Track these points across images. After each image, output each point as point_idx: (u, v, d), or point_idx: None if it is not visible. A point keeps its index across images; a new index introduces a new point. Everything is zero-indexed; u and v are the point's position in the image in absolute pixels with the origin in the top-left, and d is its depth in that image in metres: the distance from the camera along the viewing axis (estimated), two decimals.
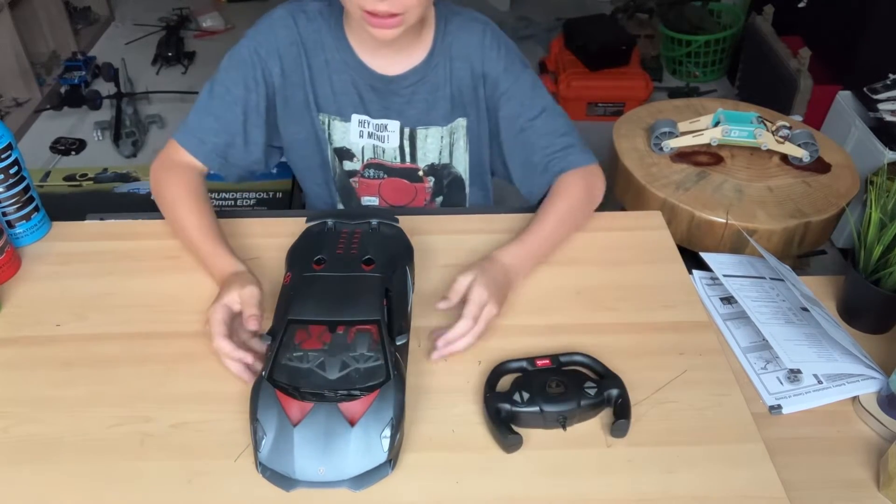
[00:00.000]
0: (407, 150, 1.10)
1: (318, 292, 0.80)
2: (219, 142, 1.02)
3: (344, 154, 1.11)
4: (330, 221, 0.90)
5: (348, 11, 0.95)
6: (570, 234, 1.01)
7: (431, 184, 1.15)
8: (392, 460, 0.72)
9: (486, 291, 0.84)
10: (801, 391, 0.88)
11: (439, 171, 1.13)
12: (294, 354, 0.76)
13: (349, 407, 0.73)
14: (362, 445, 0.71)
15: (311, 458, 0.71)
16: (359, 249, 0.85)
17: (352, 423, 0.72)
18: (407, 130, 1.08)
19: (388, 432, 0.72)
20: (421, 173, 1.13)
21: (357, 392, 0.73)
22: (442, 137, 1.10)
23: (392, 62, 1.04)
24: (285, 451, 0.71)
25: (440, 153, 1.11)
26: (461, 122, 1.09)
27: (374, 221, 0.90)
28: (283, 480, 0.71)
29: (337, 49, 1.03)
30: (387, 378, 0.74)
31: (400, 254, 0.88)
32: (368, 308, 0.79)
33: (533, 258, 0.95)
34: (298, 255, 0.87)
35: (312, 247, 0.86)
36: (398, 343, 0.77)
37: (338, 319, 0.78)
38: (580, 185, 1.02)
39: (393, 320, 0.79)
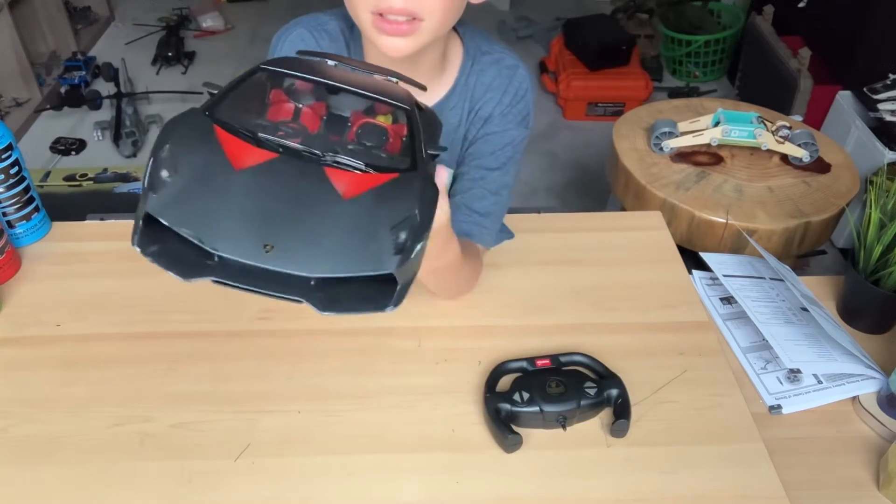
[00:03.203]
0: None
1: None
2: None
3: None
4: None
5: (361, 26, 0.78)
6: (446, 284, 0.89)
7: None
8: (400, 285, 0.49)
9: None
10: (801, 391, 0.88)
11: None
12: (260, 122, 0.53)
13: (343, 177, 0.50)
14: (355, 230, 0.48)
15: (253, 226, 0.46)
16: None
17: (343, 197, 0.49)
18: None
19: (404, 230, 0.48)
20: None
21: (360, 166, 0.51)
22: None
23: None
24: (206, 202, 0.47)
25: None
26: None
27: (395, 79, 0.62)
28: (186, 255, 0.47)
29: None
30: (411, 167, 0.53)
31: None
32: (395, 96, 0.57)
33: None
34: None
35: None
36: (430, 152, 0.55)
37: (343, 86, 0.54)
38: (479, 266, 0.94)
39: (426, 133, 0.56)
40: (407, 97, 0.59)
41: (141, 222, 0.48)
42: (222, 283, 0.48)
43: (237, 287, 0.47)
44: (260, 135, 0.51)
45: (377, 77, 0.60)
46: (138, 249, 0.48)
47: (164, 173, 0.48)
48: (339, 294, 0.49)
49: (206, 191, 0.48)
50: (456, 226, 0.85)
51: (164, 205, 0.47)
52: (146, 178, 0.48)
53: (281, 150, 0.51)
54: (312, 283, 0.48)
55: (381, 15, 0.73)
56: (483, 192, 0.92)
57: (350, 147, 0.55)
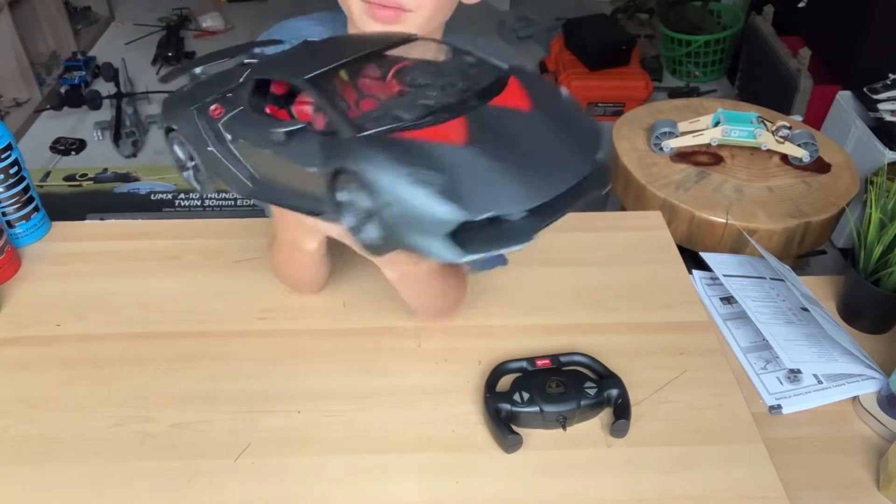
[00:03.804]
0: None
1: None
2: None
3: None
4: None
5: (351, 15, 0.78)
6: (416, 294, 0.85)
7: None
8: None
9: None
10: (801, 391, 0.88)
11: None
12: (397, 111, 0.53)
13: (508, 99, 0.55)
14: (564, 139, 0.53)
15: (522, 176, 0.49)
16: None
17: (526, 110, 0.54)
18: None
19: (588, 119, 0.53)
20: None
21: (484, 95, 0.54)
22: None
23: None
24: (475, 185, 0.48)
25: None
26: None
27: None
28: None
29: None
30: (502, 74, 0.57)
31: None
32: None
33: None
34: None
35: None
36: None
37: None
38: (461, 285, 0.91)
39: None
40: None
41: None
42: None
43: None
44: (428, 117, 0.51)
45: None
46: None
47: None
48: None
49: (470, 176, 0.48)
50: None
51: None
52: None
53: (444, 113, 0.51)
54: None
55: (371, 5, 0.73)
56: None
57: (444, 87, 0.55)
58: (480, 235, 0.48)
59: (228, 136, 0.58)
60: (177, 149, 0.66)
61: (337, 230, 0.68)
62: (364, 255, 0.66)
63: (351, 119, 0.51)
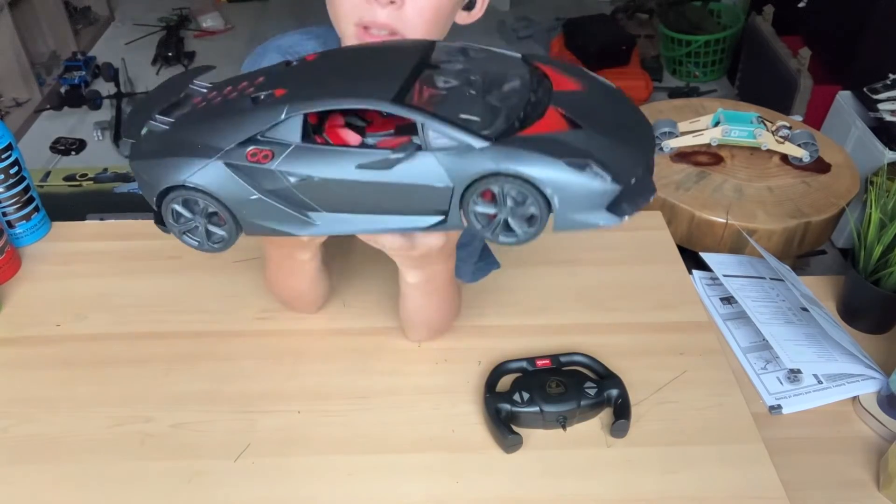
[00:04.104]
0: None
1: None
2: None
3: None
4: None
5: (344, 38, 0.75)
6: (429, 303, 0.83)
7: None
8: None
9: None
10: (801, 391, 0.88)
11: None
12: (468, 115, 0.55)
13: (559, 82, 0.59)
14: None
15: (632, 153, 0.56)
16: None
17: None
18: None
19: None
20: None
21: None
22: None
23: None
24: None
25: None
26: None
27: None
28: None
29: None
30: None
31: None
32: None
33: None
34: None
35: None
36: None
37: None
38: (458, 300, 0.88)
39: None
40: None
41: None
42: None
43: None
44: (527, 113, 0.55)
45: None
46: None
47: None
48: None
49: (602, 153, 0.53)
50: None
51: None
52: None
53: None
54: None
55: (365, 28, 0.71)
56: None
57: (473, 83, 0.58)
58: (626, 198, 0.54)
59: (292, 179, 0.56)
60: (178, 208, 0.60)
61: (394, 241, 0.66)
62: (398, 260, 0.67)
63: (473, 129, 0.53)
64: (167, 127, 0.60)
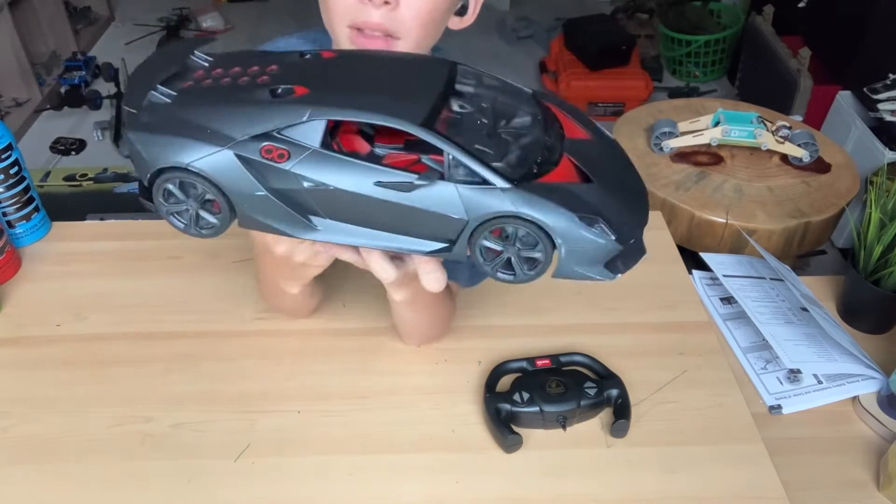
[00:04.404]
0: None
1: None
2: None
3: None
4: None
5: (337, 40, 0.74)
6: (419, 319, 0.83)
7: None
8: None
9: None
10: (801, 391, 0.88)
11: None
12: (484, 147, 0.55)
13: (570, 129, 0.61)
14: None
15: (630, 205, 0.59)
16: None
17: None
18: None
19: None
20: None
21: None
22: None
23: None
24: (618, 210, 0.56)
25: None
26: None
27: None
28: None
29: None
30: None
31: None
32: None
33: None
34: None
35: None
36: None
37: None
38: (453, 307, 0.88)
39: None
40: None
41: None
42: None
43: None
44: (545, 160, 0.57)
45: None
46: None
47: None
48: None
49: (608, 211, 0.56)
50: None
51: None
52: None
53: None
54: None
55: (359, 30, 0.70)
56: None
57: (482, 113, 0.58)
58: (622, 257, 0.57)
59: (306, 184, 0.55)
60: (173, 189, 0.57)
61: (388, 273, 0.65)
62: (382, 279, 0.66)
63: (497, 168, 0.53)
64: (169, 100, 0.57)
